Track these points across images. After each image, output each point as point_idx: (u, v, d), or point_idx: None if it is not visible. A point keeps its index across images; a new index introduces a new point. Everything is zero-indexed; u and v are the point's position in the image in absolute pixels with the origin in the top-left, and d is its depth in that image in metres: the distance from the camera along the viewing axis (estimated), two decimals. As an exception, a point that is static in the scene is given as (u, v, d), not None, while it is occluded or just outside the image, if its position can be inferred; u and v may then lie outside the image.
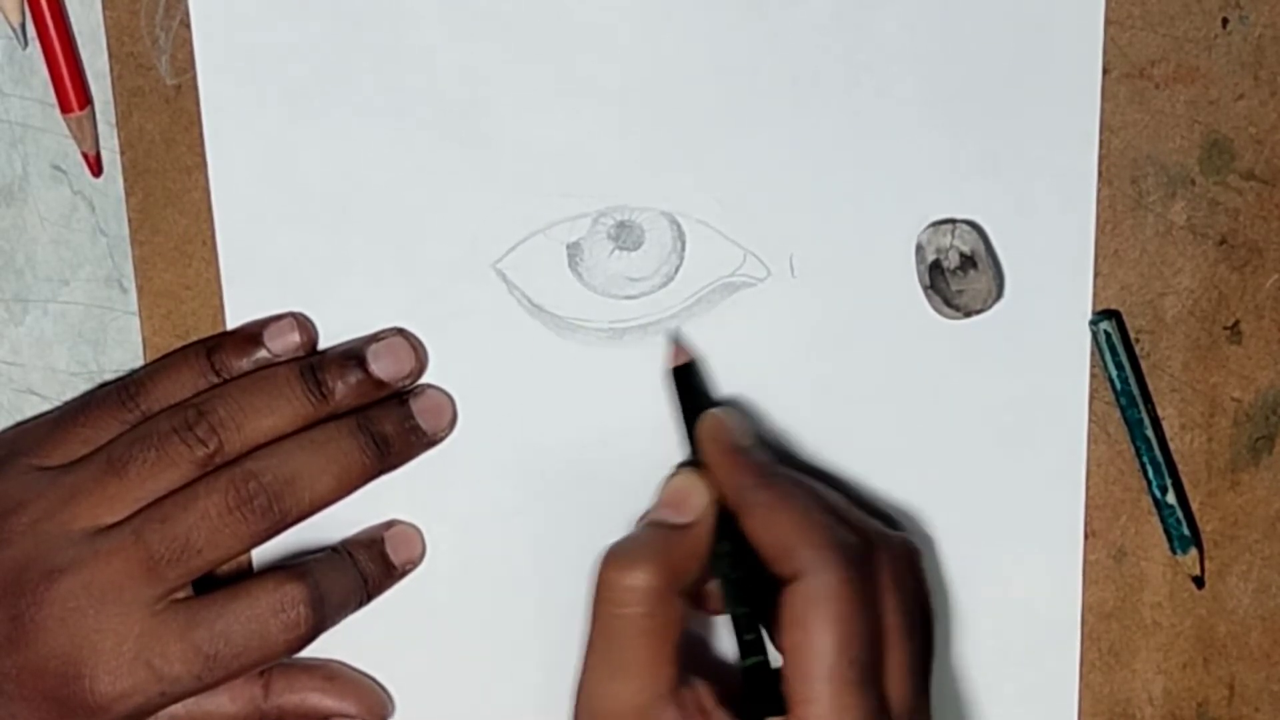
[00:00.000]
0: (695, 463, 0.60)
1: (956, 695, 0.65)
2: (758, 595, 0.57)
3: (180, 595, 0.58)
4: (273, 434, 0.59)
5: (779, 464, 0.59)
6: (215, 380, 0.60)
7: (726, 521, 0.58)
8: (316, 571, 0.60)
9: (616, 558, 0.56)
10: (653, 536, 0.57)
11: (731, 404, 0.62)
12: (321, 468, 0.59)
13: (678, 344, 0.61)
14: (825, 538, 0.55)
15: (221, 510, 0.58)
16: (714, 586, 0.59)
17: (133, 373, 0.62)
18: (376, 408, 0.61)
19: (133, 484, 0.58)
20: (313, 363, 0.60)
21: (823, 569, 0.55)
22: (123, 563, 0.58)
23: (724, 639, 0.62)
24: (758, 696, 0.56)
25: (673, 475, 0.59)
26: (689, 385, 0.61)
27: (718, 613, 0.59)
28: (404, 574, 0.63)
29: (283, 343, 0.61)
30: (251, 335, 0.61)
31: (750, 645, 0.57)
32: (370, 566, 0.62)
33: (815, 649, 0.54)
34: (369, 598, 0.62)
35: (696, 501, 0.58)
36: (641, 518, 0.60)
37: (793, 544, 0.55)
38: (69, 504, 0.58)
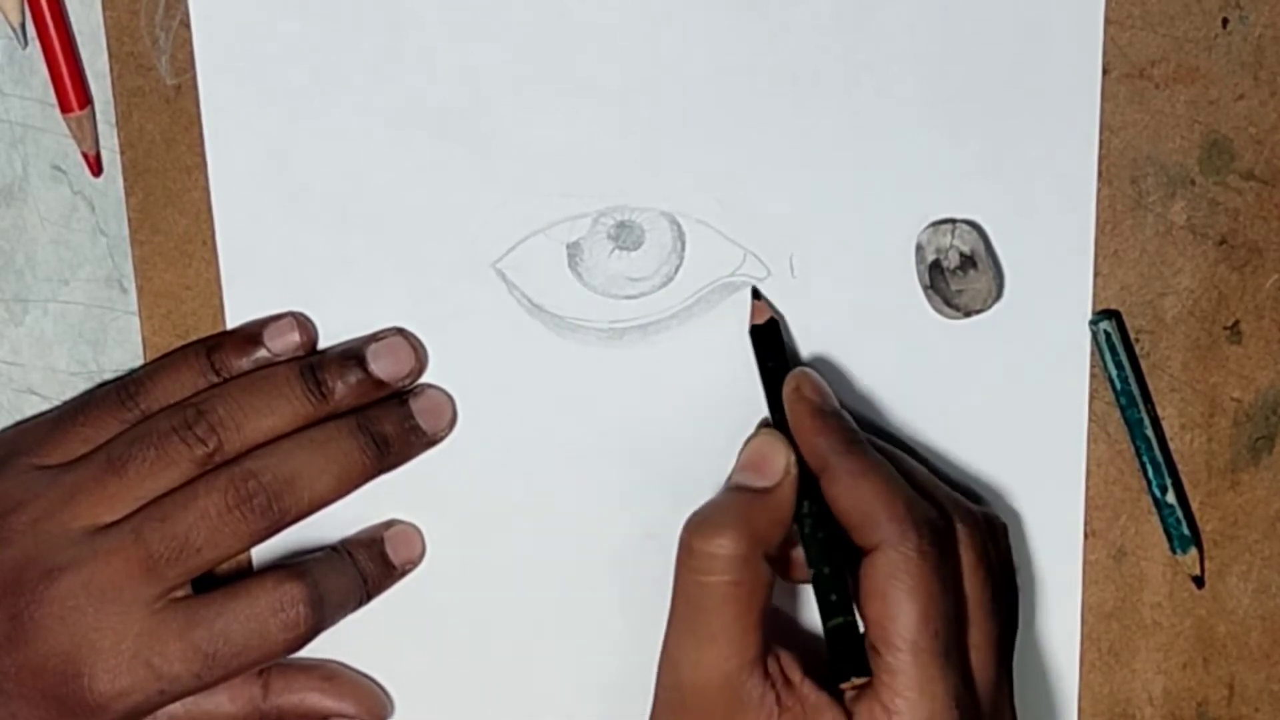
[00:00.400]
0: (771, 424, 0.59)
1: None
2: (843, 555, 0.56)
3: (179, 594, 0.58)
4: (272, 434, 0.59)
5: (862, 432, 0.59)
6: (215, 380, 0.60)
7: (810, 481, 0.57)
8: (316, 571, 0.60)
9: (700, 525, 0.56)
10: (735, 501, 0.57)
11: (813, 366, 0.61)
12: (321, 467, 0.59)
13: (758, 301, 0.61)
14: (906, 510, 0.55)
15: (221, 509, 0.58)
16: (799, 554, 0.58)
17: (132, 372, 0.62)
18: (376, 407, 0.61)
19: (132, 483, 0.58)
20: (312, 362, 0.60)
21: (902, 541, 0.55)
22: (122, 562, 0.58)
23: (809, 609, 0.61)
24: (843, 657, 0.56)
25: (753, 436, 0.59)
26: (770, 343, 0.60)
27: (803, 580, 0.59)
28: (404, 574, 0.63)
29: (283, 342, 0.61)
30: (251, 335, 0.61)
31: (833, 606, 0.56)
32: (370, 566, 0.62)
33: (897, 620, 0.54)
34: (369, 597, 0.62)
35: (779, 463, 0.57)
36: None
37: (874, 514, 0.55)
38: (69, 503, 0.58)
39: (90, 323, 0.63)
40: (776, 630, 0.57)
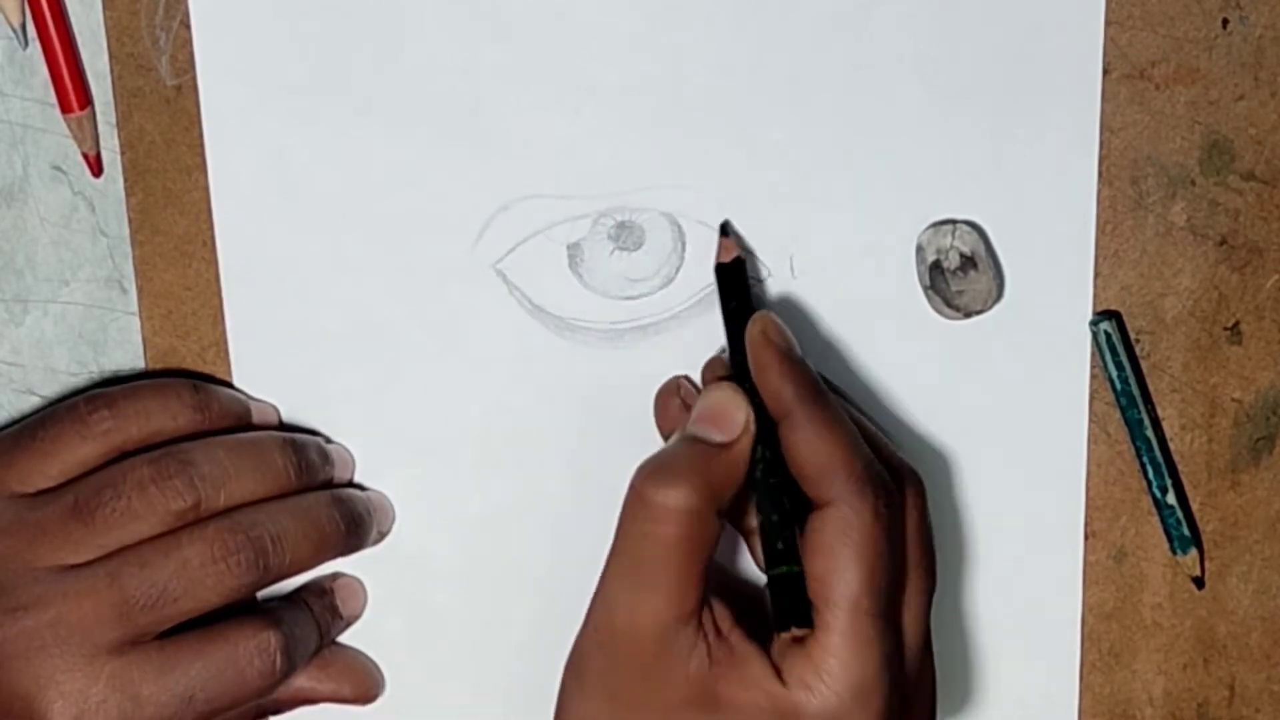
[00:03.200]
0: (723, 365, 0.59)
1: (957, 694, 0.65)
2: (793, 504, 0.56)
3: (148, 639, 0.57)
4: (250, 498, 0.59)
5: (823, 382, 0.57)
6: (197, 417, 0.60)
7: (766, 427, 0.56)
8: (288, 619, 0.59)
9: (654, 473, 0.55)
10: (691, 453, 0.55)
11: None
12: (305, 534, 0.59)
13: (726, 238, 0.60)
14: (865, 470, 0.55)
15: (205, 560, 0.57)
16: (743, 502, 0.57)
17: (101, 388, 0.61)
18: (347, 489, 0.62)
19: (98, 531, 0.57)
20: (294, 440, 0.60)
21: (859, 501, 0.54)
22: (93, 604, 0.56)
23: (745, 558, 0.61)
24: (787, 606, 0.55)
25: (711, 389, 0.57)
26: (735, 283, 0.59)
27: (746, 531, 0.58)
28: (349, 625, 0.63)
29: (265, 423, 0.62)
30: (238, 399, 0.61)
31: (780, 554, 0.55)
32: (325, 616, 0.62)
33: (841, 578, 0.54)
34: (321, 647, 0.62)
35: (738, 418, 0.56)
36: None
37: (832, 469, 0.54)
38: (32, 543, 0.57)
39: (90, 323, 0.63)
40: (712, 578, 0.56)
